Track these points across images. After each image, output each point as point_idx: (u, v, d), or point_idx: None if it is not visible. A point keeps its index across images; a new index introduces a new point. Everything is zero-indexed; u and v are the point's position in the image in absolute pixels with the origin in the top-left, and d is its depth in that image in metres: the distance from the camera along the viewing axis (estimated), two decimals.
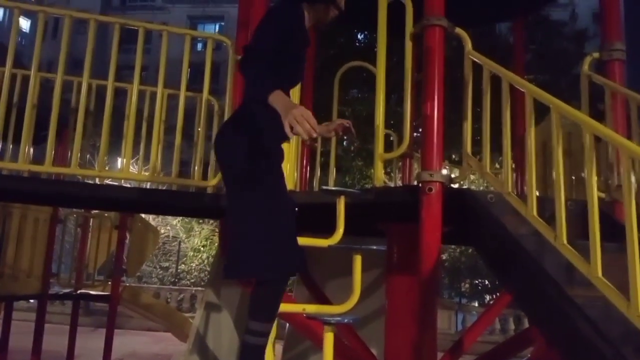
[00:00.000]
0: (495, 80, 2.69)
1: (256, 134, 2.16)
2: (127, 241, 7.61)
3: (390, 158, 3.32)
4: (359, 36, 13.79)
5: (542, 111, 2.60)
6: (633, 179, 1.99)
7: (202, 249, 17.14)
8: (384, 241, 3.50)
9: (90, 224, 7.50)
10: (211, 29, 35.07)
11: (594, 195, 1.99)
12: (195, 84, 4.20)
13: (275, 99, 1.90)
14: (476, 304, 16.01)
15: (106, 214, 7.25)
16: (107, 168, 3.69)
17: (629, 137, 3.24)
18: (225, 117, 3.85)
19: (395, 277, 3.50)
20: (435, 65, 2.81)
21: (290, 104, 1.88)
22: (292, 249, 2.12)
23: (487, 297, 16.11)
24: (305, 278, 4.43)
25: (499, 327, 12.28)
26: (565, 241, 2.17)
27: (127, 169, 3.47)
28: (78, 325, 7.37)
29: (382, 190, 3.08)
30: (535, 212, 2.36)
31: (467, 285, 16.71)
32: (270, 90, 1.92)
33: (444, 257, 15.13)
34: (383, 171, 3.17)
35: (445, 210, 2.80)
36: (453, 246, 14.87)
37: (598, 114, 3.79)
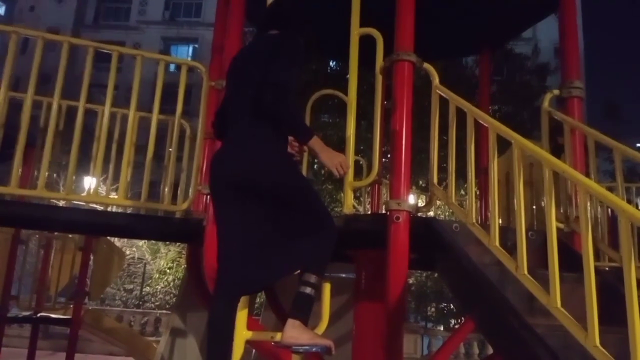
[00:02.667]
0: (462, 111, 2.79)
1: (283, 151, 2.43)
2: (91, 263, 7.44)
3: (361, 186, 3.38)
4: (331, 63, 14.01)
5: (506, 141, 2.71)
6: (590, 212, 2.09)
7: (168, 271, 16.81)
8: (352, 267, 3.54)
9: (54, 245, 7.31)
10: (185, 51, 34.98)
11: (553, 229, 2.08)
12: (167, 103, 4.20)
13: (317, 142, 2.34)
14: (442, 328, 16.09)
15: (70, 235, 7.09)
16: (73, 187, 3.63)
17: (588, 171, 3.39)
18: (198, 140, 3.86)
19: (363, 303, 3.53)
20: (403, 98, 2.91)
21: (333, 151, 2.39)
22: None
23: (453, 321, 16.21)
24: (274, 304, 4.42)
25: (464, 352, 12.36)
26: (525, 271, 2.25)
27: (94, 192, 3.43)
28: (37, 349, 7.13)
29: (351, 217, 3.13)
30: (497, 242, 2.44)
31: (433, 310, 16.80)
32: (312, 134, 2.33)
33: (410, 281, 15.22)
34: (352, 198, 3.23)
35: (412, 238, 2.86)
36: (419, 271, 14.99)
37: (559, 147, 3.96)
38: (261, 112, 2.29)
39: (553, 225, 2.09)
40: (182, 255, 15.24)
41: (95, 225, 3.90)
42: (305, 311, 2.28)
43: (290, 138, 2.51)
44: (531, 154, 2.33)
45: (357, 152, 5.98)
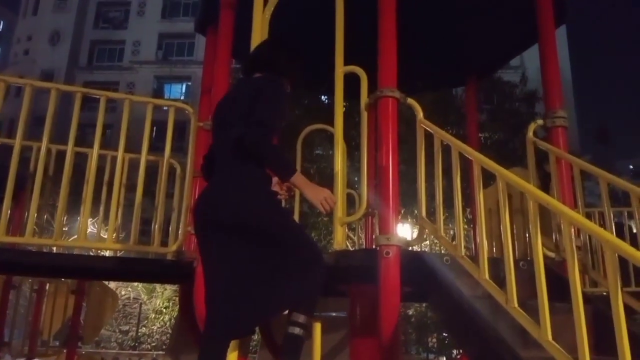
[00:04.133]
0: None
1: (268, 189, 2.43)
2: (84, 304, 7.34)
3: (350, 222, 3.38)
4: (322, 97, 14.17)
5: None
6: (575, 242, 2.09)
7: (164, 310, 16.56)
8: (343, 305, 3.50)
9: (46, 288, 7.22)
10: (178, 89, 35.38)
11: (540, 262, 2.08)
12: (160, 141, 4.23)
13: (300, 179, 2.32)
14: (444, 359, 15.83)
15: (62, 279, 7.01)
16: (66, 228, 3.61)
17: (576, 199, 3.41)
18: (187, 180, 3.87)
19: (358, 338, 3.48)
20: (389, 134, 2.93)
21: (317, 187, 2.37)
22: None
23: (455, 352, 15.95)
24: (269, 342, 4.36)
25: None
26: (515, 304, 2.24)
27: (84, 236, 3.41)
28: None
29: (342, 253, 3.12)
30: (487, 275, 2.43)
31: (434, 340, 16.53)
32: (293, 170, 2.31)
33: (410, 312, 15.03)
34: (345, 234, 3.23)
35: (404, 272, 2.85)
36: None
37: (547, 174, 3.99)
38: (244, 151, 2.32)
39: (540, 258, 2.09)
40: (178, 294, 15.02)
41: (85, 270, 3.86)
42: (295, 352, 2.25)
43: (276, 178, 2.53)
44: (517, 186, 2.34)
45: (350, 184, 6.01)
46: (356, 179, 10.89)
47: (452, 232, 10.36)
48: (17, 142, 3.39)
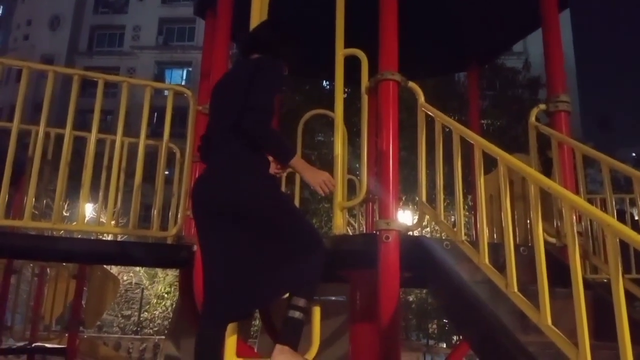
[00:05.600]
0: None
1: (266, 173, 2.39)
2: (85, 289, 7.37)
3: (349, 206, 3.37)
4: (323, 82, 14.10)
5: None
6: (576, 227, 2.08)
7: (166, 295, 16.67)
8: (343, 289, 3.50)
9: (47, 273, 7.25)
10: (179, 74, 35.25)
11: (541, 246, 2.06)
12: (160, 127, 4.21)
13: (299, 162, 2.34)
14: (444, 345, 15.91)
15: (64, 263, 7.03)
16: (67, 213, 3.59)
17: (577, 185, 3.38)
18: (186, 164, 3.85)
19: (358, 323, 3.48)
20: (389, 118, 2.91)
21: (316, 170, 2.39)
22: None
23: (455, 338, 16.03)
24: (269, 327, 4.37)
25: None
26: (515, 289, 2.22)
27: (82, 220, 3.40)
28: None
29: (341, 238, 3.11)
30: (487, 260, 2.42)
31: (434, 327, 16.63)
32: (292, 153, 2.32)
33: (410, 298, 15.08)
34: (345, 219, 3.22)
35: (404, 257, 2.84)
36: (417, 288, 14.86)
37: (549, 160, 3.96)
38: (242, 135, 2.29)
39: (541, 241, 2.07)
40: None
41: (85, 254, 3.85)
42: (294, 336, 2.25)
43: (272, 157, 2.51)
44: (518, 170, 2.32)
45: (352, 171, 5.98)
46: (357, 165, 10.88)
47: (452, 219, 10.37)
48: (15, 125, 3.36)
